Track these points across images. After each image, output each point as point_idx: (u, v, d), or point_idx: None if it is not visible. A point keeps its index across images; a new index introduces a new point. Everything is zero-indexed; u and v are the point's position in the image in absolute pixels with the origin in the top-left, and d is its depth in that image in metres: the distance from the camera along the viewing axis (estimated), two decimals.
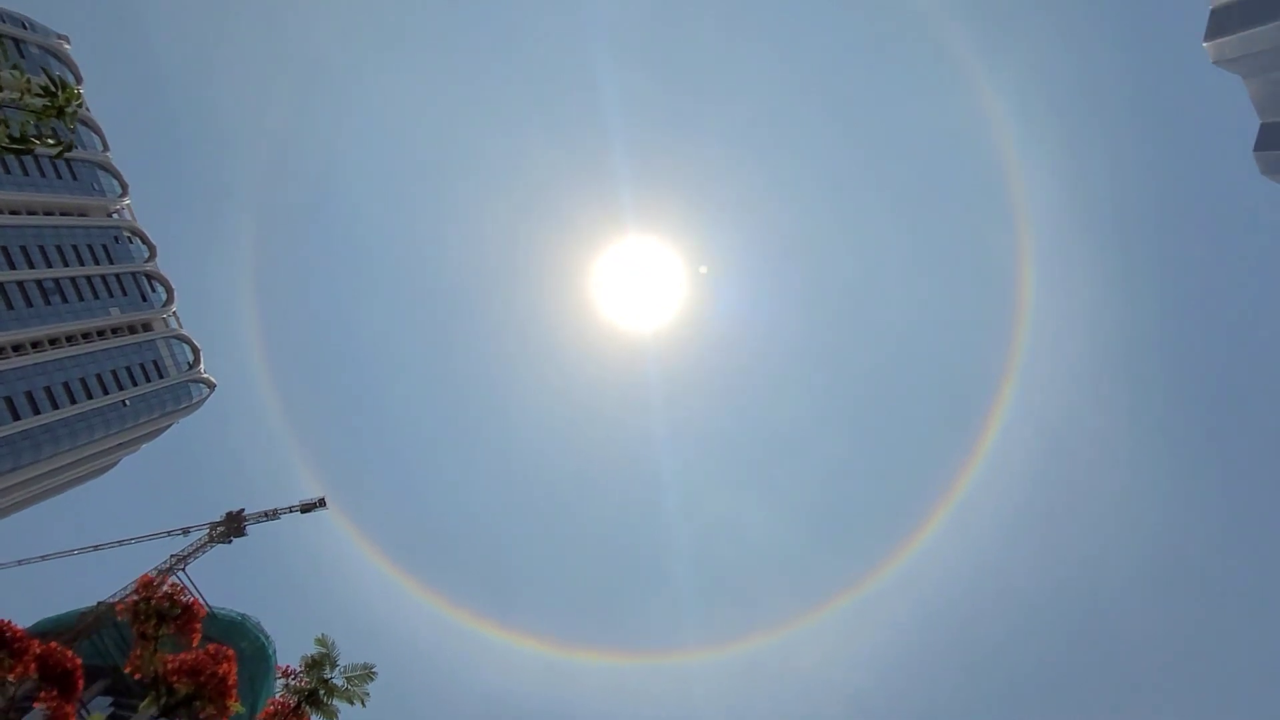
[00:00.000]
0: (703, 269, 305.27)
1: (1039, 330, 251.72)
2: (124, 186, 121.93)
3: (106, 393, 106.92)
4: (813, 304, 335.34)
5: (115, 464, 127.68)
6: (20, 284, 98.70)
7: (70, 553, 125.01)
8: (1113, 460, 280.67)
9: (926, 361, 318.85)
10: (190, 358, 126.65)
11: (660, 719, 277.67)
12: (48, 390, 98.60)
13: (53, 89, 15.13)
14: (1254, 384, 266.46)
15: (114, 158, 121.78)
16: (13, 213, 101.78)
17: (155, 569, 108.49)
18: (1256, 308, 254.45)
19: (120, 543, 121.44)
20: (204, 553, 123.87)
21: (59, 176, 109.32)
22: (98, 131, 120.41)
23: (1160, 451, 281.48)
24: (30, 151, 13.98)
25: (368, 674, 21.13)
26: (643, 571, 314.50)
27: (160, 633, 15.59)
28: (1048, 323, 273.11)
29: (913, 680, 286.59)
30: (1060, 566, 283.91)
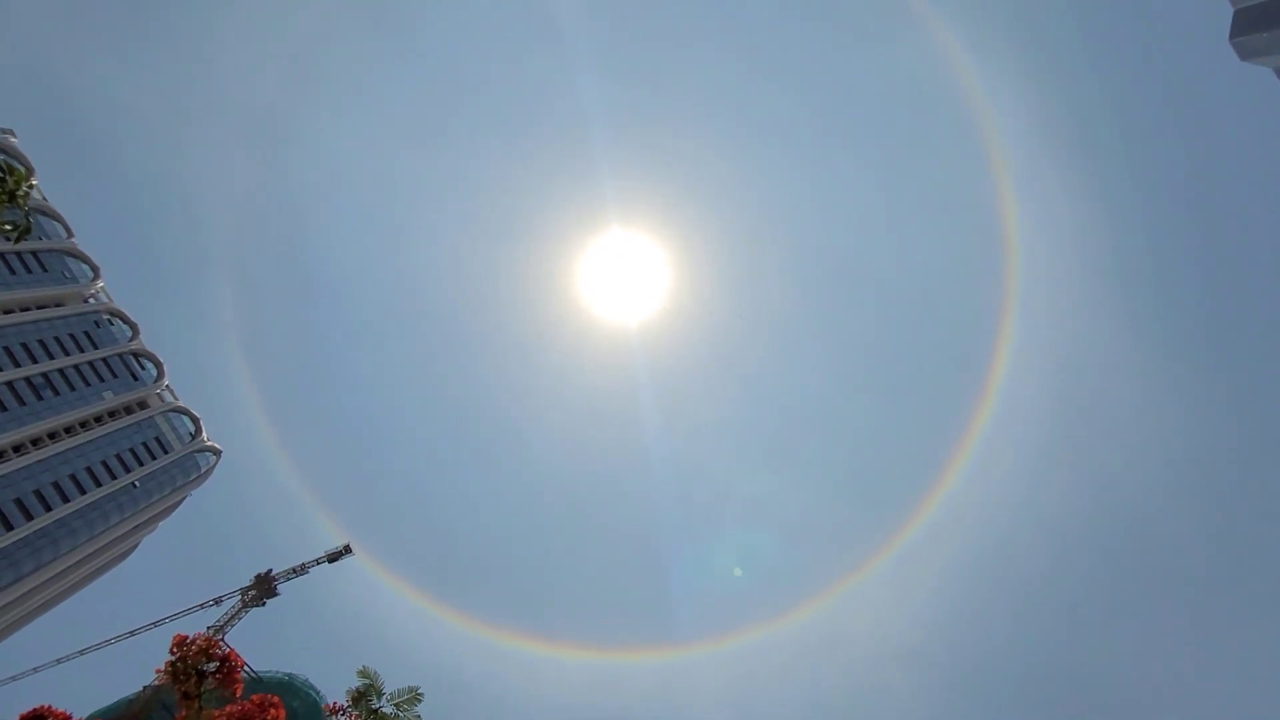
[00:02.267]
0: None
1: (1030, 262, 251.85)
2: (95, 270, 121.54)
3: (114, 478, 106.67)
4: (801, 276, 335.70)
5: (136, 546, 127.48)
6: (9, 384, 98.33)
7: (107, 643, 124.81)
8: (1123, 377, 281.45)
9: (923, 311, 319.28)
10: (191, 428, 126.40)
11: (725, 703, 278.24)
12: (55, 485, 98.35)
13: (1, 175, 15.03)
14: (1247, 276, 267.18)
15: (80, 243, 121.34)
16: None
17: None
18: (1241, 199, 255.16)
19: (155, 624, 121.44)
20: (240, 619, 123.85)
21: (28, 270, 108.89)
22: (59, 219, 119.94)
23: (1167, 360, 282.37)
24: None
25: (414, 697, 21.10)
26: (675, 562, 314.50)
27: (202, 690, 15.50)
28: (1038, 253, 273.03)
29: (965, 627, 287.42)
30: (1088, 490, 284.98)
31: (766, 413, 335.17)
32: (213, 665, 15.45)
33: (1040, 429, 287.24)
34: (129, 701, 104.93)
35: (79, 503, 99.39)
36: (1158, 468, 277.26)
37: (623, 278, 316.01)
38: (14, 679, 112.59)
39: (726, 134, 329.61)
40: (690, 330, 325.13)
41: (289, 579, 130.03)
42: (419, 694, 20.80)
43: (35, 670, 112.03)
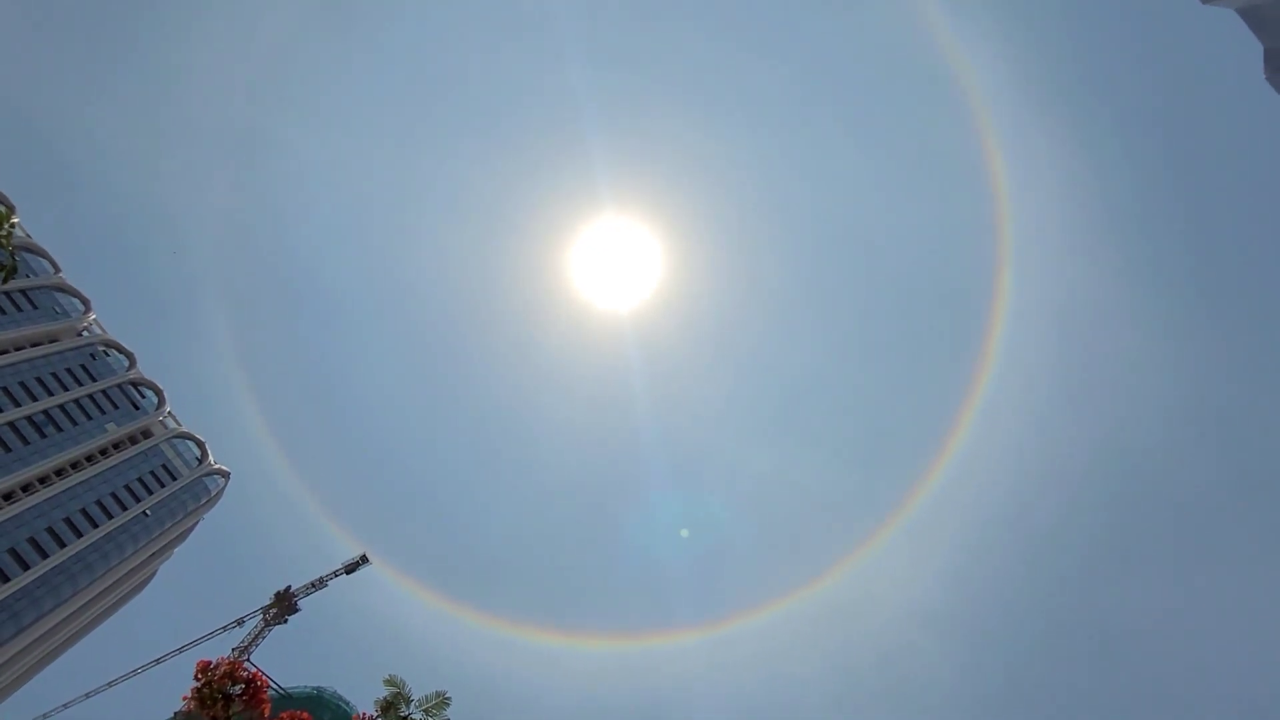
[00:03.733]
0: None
1: (1020, 216, 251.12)
2: (86, 303, 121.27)
3: (125, 509, 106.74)
4: (793, 250, 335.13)
5: (154, 574, 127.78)
6: (11, 424, 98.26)
7: (134, 673, 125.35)
8: (1119, 323, 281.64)
9: (918, 274, 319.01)
10: (197, 453, 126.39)
11: (755, 678, 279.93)
12: (67, 521, 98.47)
13: None
14: (1231, 215, 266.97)
15: (68, 277, 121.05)
16: None
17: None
18: (1224, 140, 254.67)
19: (180, 650, 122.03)
20: (264, 638, 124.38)
21: (19, 309, 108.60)
22: (44, 255, 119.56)
23: (1160, 302, 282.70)
24: None
25: (442, 701, 21.13)
26: (691, 545, 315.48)
27: (231, 713, 15.50)
28: (1027, 207, 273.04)
29: (984, 584, 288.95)
30: (1093, 436, 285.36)
31: (768, 389, 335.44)
32: (238, 688, 15.44)
33: (1042, 380, 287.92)
34: None
35: (92, 536, 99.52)
36: (1158, 409, 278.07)
37: (614, 263, 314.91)
38: (46, 716, 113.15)
39: (708, 109, 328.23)
40: (686, 311, 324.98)
41: (309, 594, 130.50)
42: (446, 698, 20.85)
43: (65, 706, 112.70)
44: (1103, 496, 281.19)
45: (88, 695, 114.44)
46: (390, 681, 20.30)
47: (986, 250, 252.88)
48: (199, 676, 14.37)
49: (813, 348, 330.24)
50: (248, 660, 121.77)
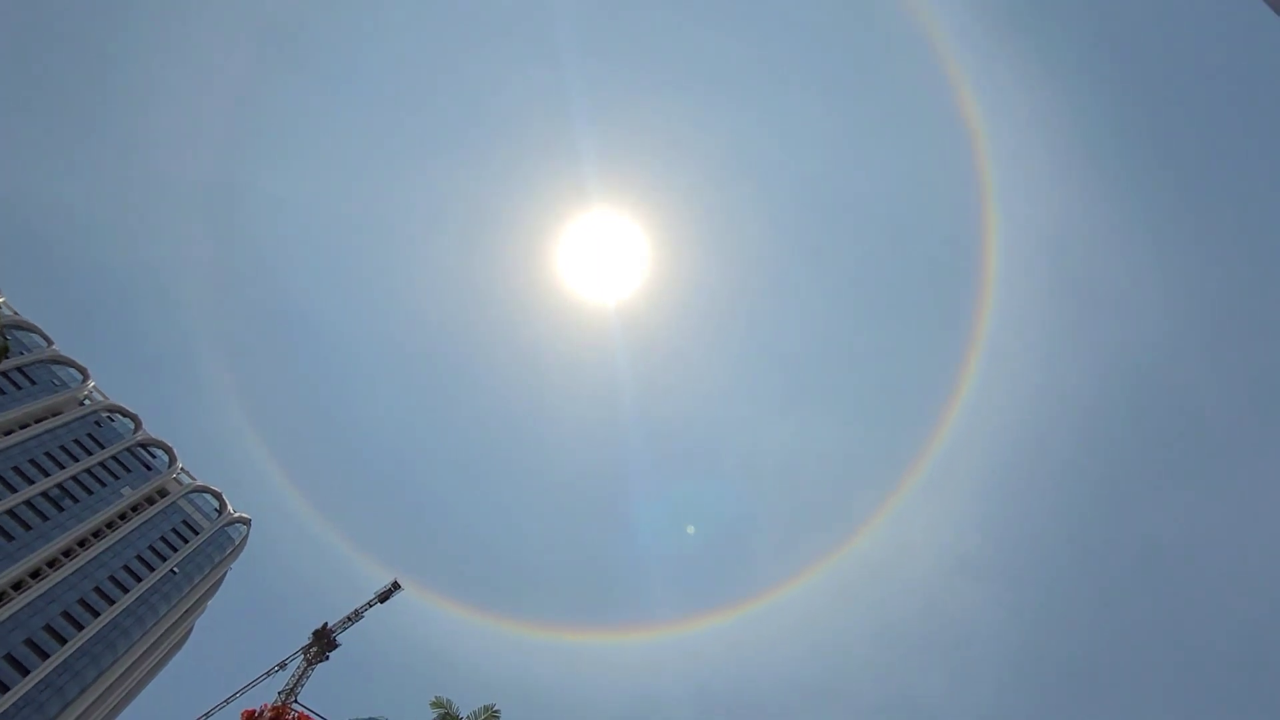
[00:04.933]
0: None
1: (998, 149, 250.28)
2: (83, 372, 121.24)
3: (152, 569, 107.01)
4: (778, 221, 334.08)
5: (191, 630, 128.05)
6: (28, 503, 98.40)
7: None
8: (1110, 243, 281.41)
9: (906, 224, 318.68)
10: (216, 504, 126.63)
11: (809, 645, 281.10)
12: (98, 591, 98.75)
13: None
14: (1211, 119, 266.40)
15: (62, 348, 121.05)
16: None
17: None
18: (1195, 41, 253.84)
19: (226, 701, 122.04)
20: (308, 678, 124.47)
21: (17, 388, 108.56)
22: (35, 330, 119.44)
23: (1146, 218, 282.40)
24: None
25: (492, 715, 21.10)
26: (722, 530, 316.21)
27: None
28: (1003, 139, 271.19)
29: (1013, 523, 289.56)
30: (1099, 361, 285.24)
31: (773, 363, 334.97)
32: None
33: (1042, 313, 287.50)
34: None
35: (125, 601, 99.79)
36: (1158, 325, 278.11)
37: (604, 255, 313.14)
38: None
39: (682, 89, 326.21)
40: (679, 297, 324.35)
41: (345, 628, 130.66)
42: (495, 711, 20.82)
43: None
44: (1115, 419, 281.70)
45: None
46: (437, 703, 20.29)
47: (970, 191, 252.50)
48: None
49: (811, 316, 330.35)
50: (295, 702, 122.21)
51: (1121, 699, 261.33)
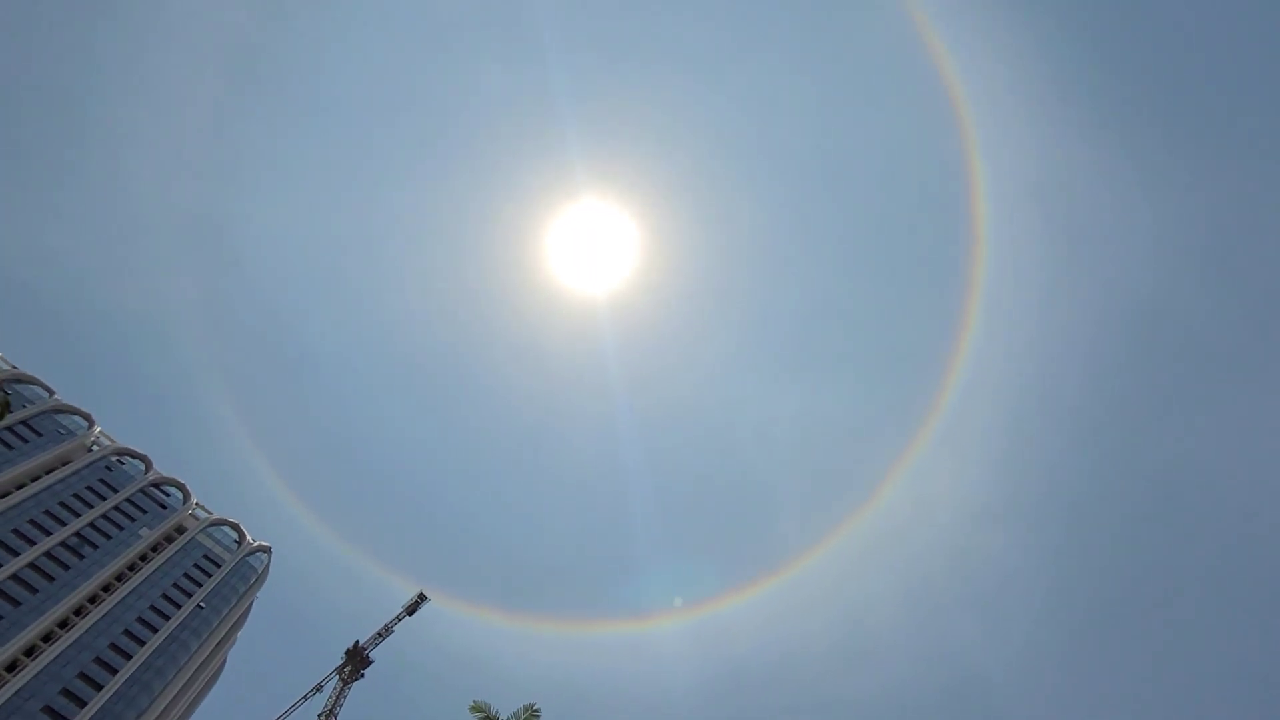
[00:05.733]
0: None
1: (976, 98, 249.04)
2: (88, 418, 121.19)
3: (178, 606, 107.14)
4: (766, 194, 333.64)
5: (224, 663, 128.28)
6: (48, 554, 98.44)
7: None
8: (1094, 183, 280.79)
9: (894, 182, 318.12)
10: (235, 535, 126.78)
11: (841, 611, 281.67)
12: (128, 633, 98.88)
13: None
14: (1184, 42, 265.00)
15: (64, 396, 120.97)
16: (2, 496, 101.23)
17: None
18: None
19: None
20: (345, 698, 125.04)
21: (24, 440, 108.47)
22: (35, 382, 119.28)
23: (1126, 154, 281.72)
24: None
25: (532, 714, 21.06)
26: (749, 504, 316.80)
27: None
28: (979, 86, 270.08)
29: (1027, 466, 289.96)
30: (1096, 297, 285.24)
31: (775, 334, 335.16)
32: None
33: (1035, 257, 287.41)
34: None
35: (155, 641, 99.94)
36: (1150, 256, 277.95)
37: (595, 242, 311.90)
38: None
39: (657, 69, 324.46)
40: (676, 278, 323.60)
41: (377, 644, 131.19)
42: (536, 710, 20.74)
43: None
44: (1118, 351, 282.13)
45: None
46: (476, 707, 20.25)
47: (952, 145, 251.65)
48: None
49: (809, 285, 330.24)
50: None
51: (1154, 625, 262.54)
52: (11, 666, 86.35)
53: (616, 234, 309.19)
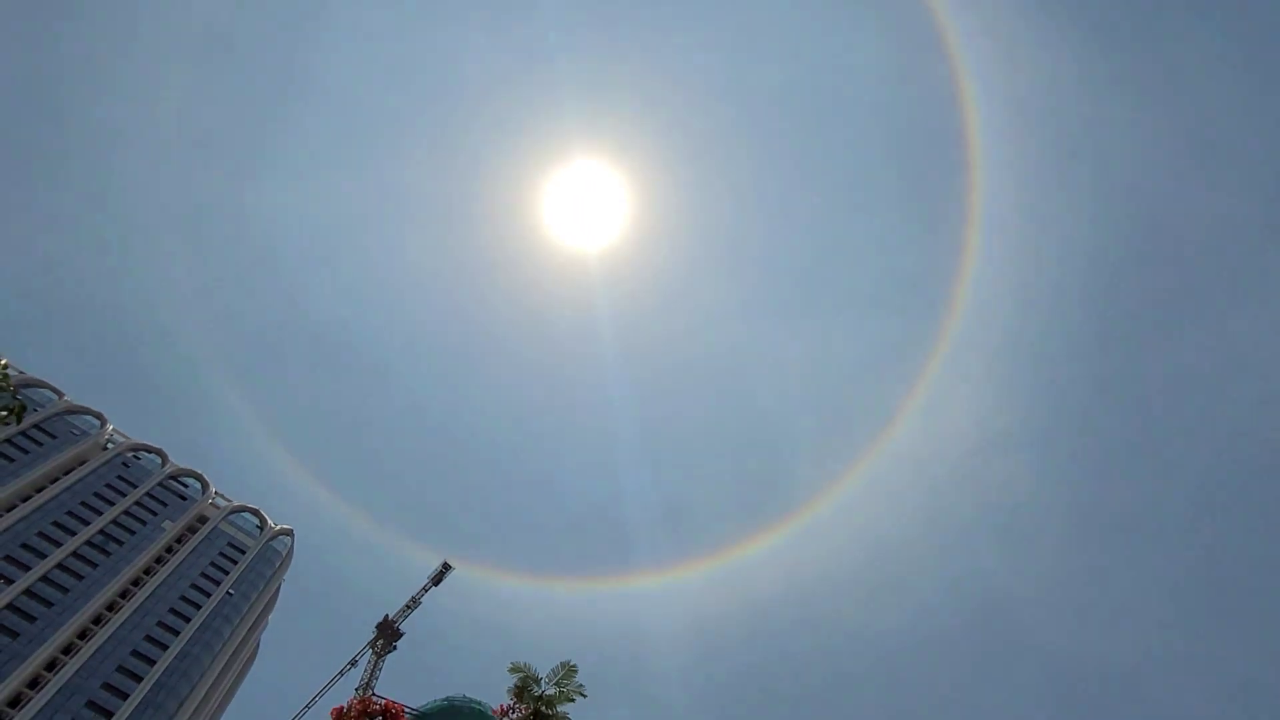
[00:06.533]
0: None
1: (965, 29, 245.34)
2: (100, 417, 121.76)
3: (208, 595, 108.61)
4: (760, 135, 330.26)
5: (258, 646, 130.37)
6: (75, 554, 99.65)
7: None
8: (1088, 90, 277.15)
9: (886, 114, 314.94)
10: (256, 521, 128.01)
11: (867, 547, 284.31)
12: (161, 625, 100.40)
13: None
14: None
15: (74, 397, 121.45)
16: (24, 500, 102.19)
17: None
18: None
19: (308, 706, 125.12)
20: (380, 670, 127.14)
21: (39, 444, 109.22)
22: (46, 386, 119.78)
23: (1118, 59, 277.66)
24: None
25: (570, 670, 21.47)
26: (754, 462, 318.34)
27: None
28: (968, 18, 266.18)
29: (1040, 388, 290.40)
30: (1097, 212, 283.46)
31: (780, 275, 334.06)
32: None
33: (1031, 176, 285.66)
34: None
35: (189, 631, 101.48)
36: (1147, 166, 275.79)
37: (588, 197, 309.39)
38: None
39: (644, 18, 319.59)
40: (676, 226, 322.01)
41: (406, 615, 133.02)
42: (573, 667, 21.12)
43: None
44: (1121, 264, 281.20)
45: None
46: (516, 667, 20.61)
47: (941, 70, 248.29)
48: None
49: (810, 222, 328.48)
50: (373, 695, 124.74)
51: (1176, 533, 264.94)
52: (51, 665, 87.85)
53: (611, 189, 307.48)
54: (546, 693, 22.64)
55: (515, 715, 21.87)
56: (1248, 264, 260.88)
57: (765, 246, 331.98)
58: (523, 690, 22.66)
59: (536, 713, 22.24)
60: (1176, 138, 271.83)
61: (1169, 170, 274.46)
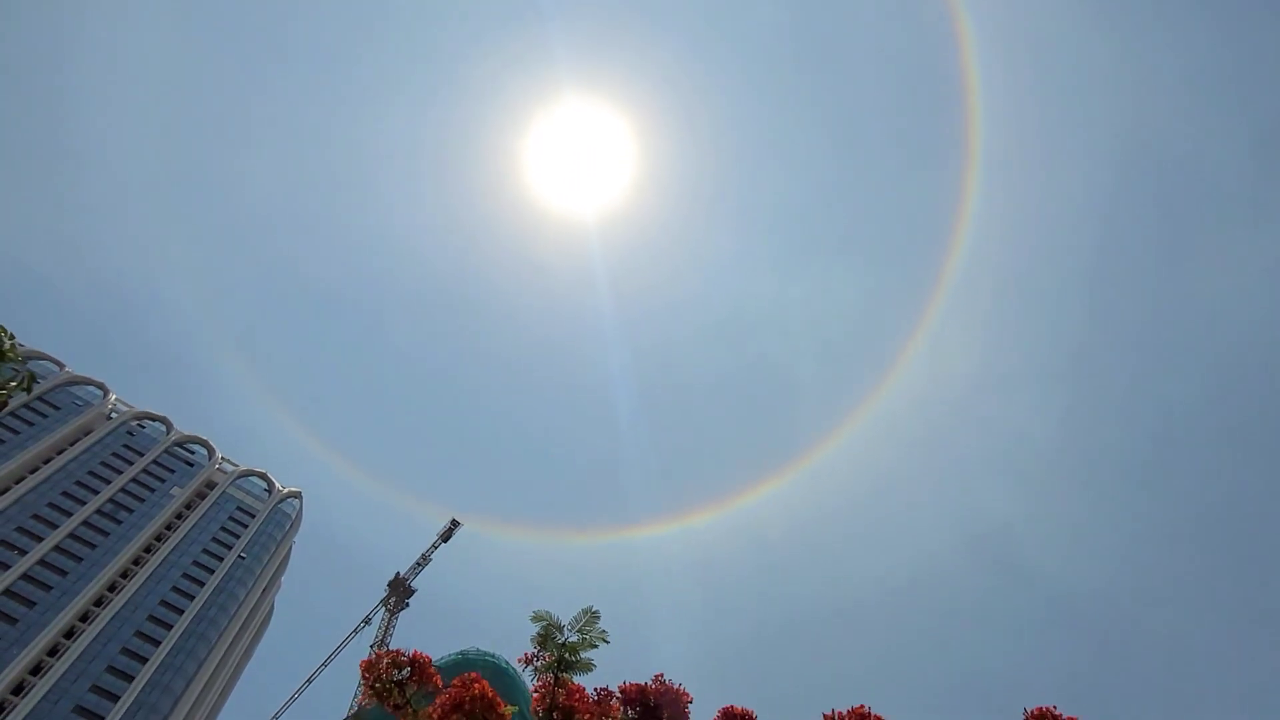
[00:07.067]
0: None
1: None
2: (102, 387, 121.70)
3: (220, 559, 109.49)
4: (757, 82, 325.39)
5: (272, 607, 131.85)
6: (86, 523, 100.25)
7: (293, 699, 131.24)
8: (1087, 33, 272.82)
9: (886, 57, 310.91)
10: (264, 485, 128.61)
11: (877, 486, 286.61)
12: (176, 589, 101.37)
13: None
14: None
15: (77, 367, 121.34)
16: (32, 471, 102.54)
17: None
18: None
19: (324, 665, 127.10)
20: (394, 627, 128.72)
21: (43, 416, 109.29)
22: (46, 358, 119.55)
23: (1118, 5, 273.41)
24: (3, 405, 13.46)
25: (593, 616, 21.45)
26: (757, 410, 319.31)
27: (409, 696, 15.92)
28: None
29: (1045, 329, 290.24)
30: (1099, 148, 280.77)
31: (779, 224, 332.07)
32: (405, 671, 15.78)
33: (1030, 113, 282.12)
34: None
35: (204, 594, 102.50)
36: (1150, 99, 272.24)
37: (582, 144, 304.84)
38: None
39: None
40: (672, 175, 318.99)
41: (417, 573, 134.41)
42: (596, 613, 21.11)
43: None
44: (1124, 199, 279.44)
45: None
46: (539, 615, 20.60)
47: (939, 8, 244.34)
48: (367, 675, 14.79)
49: (810, 168, 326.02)
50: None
51: (1175, 466, 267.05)
52: (69, 634, 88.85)
53: (607, 138, 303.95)
54: (570, 640, 22.76)
55: (539, 663, 21.96)
56: (1244, 198, 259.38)
57: (763, 193, 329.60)
58: (546, 638, 22.73)
59: (560, 659, 22.41)
60: (1174, 74, 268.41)
61: (1165, 107, 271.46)
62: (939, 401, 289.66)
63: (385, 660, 16.46)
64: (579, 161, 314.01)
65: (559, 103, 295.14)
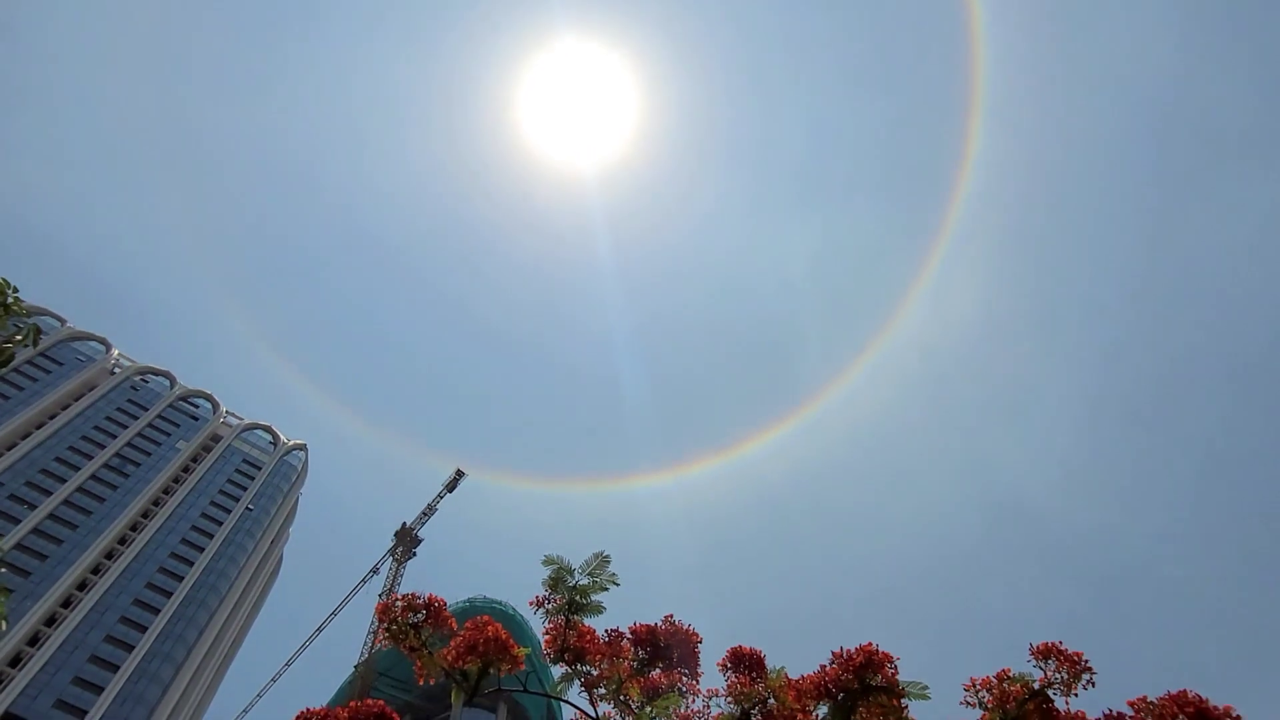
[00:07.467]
0: None
1: None
2: (105, 342, 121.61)
3: (228, 511, 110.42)
4: (763, 26, 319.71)
5: (281, 559, 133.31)
6: (93, 477, 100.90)
7: (302, 650, 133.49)
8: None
9: (885, 4, 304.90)
10: (269, 438, 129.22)
11: (890, 431, 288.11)
12: (185, 542, 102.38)
13: None
14: None
15: (79, 323, 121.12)
16: (38, 427, 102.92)
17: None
18: None
19: (333, 614, 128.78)
20: (401, 577, 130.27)
21: (46, 372, 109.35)
22: (47, 313, 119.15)
23: None
24: (9, 360, 13.28)
25: (604, 560, 21.64)
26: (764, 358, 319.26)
27: (424, 639, 15.97)
28: None
29: (1046, 270, 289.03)
30: (1109, 95, 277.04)
31: (782, 171, 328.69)
32: (420, 614, 15.86)
33: (1037, 57, 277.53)
34: (349, 683, 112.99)
35: (212, 547, 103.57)
36: (1162, 46, 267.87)
37: (579, 92, 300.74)
38: (248, 709, 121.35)
39: None
40: (672, 125, 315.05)
41: (424, 522, 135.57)
42: (606, 557, 21.31)
43: (259, 696, 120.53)
44: (1126, 147, 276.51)
45: (274, 680, 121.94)
46: (549, 559, 20.73)
47: None
48: (383, 618, 14.85)
49: (813, 113, 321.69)
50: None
51: (1184, 414, 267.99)
52: (82, 585, 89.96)
53: (603, 83, 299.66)
54: (580, 583, 22.99)
55: (551, 605, 22.18)
56: (1253, 143, 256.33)
57: (764, 139, 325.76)
58: (557, 581, 22.95)
59: (571, 602, 22.67)
60: (1179, 17, 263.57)
61: (1172, 51, 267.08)
62: (944, 349, 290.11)
63: (401, 603, 16.59)
64: (577, 108, 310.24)
65: (555, 47, 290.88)
